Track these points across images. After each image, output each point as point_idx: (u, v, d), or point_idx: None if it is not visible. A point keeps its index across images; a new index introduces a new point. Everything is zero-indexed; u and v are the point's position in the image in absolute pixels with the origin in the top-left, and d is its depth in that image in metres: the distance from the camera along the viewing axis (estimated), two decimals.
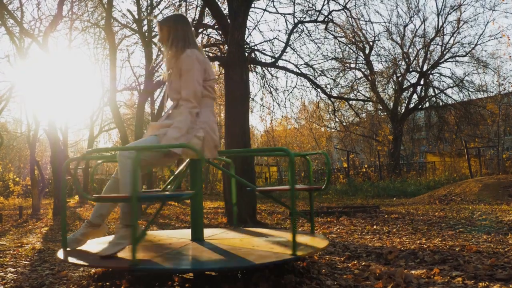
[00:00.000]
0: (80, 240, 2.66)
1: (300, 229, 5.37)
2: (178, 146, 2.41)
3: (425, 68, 19.77)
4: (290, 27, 11.16)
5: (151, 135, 2.65)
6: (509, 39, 19.47)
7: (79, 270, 3.11)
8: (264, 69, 12.31)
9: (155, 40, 13.31)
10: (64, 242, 2.57)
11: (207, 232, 3.27)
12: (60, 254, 2.50)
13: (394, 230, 4.88)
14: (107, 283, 2.52)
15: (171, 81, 2.76)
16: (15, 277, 2.96)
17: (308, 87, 14.26)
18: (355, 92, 18.75)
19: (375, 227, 5.21)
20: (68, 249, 2.58)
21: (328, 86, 14.47)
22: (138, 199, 2.16)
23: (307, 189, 3.10)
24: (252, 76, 13.14)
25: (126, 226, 2.44)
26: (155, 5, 13.07)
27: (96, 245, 2.74)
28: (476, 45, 19.04)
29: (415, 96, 20.39)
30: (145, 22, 12.49)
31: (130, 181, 2.36)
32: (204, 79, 2.73)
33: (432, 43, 19.69)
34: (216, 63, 8.35)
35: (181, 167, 3.05)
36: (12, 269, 3.25)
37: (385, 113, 21.12)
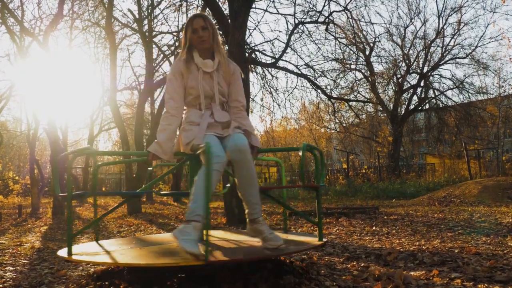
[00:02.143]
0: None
1: (299, 230, 5.37)
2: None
3: (425, 69, 19.78)
4: (290, 27, 11.18)
5: (237, 133, 2.62)
6: (509, 41, 19.58)
7: (78, 269, 3.11)
8: (264, 69, 12.32)
9: (156, 39, 13.33)
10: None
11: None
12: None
13: (393, 231, 4.88)
14: (106, 283, 2.52)
15: (218, 82, 2.72)
16: (14, 276, 2.96)
17: (308, 87, 14.27)
18: (355, 93, 18.76)
19: (374, 228, 5.21)
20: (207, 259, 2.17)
21: (328, 87, 14.50)
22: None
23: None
24: (252, 76, 13.17)
25: (263, 219, 2.56)
26: (155, 4, 13.08)
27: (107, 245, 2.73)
28: (476, 47, 19.07)
29: (415, 97, 20.42)
30: (145, 21, 12.49)
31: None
32: None
33: (432, 44, 19.70)
34: None
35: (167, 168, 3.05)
36: (11, 268, 3.25)
37: (385, 115, 21.12)
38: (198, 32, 2.67)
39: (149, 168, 3.95)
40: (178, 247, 2.67)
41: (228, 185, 3.77)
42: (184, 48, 2.74)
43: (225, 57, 2.77)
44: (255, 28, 11.41)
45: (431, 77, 19.97)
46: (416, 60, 20.12)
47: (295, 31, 11.03)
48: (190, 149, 2.60)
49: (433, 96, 19.85)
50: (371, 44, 18.66)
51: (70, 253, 2.46)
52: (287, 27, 11.68)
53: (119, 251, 2.56)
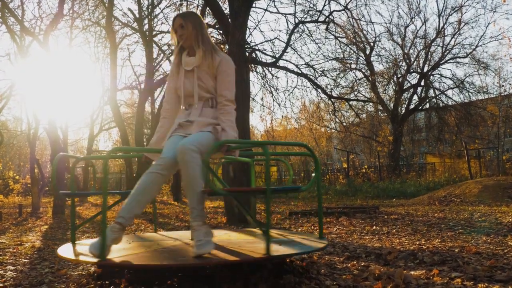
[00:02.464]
0: (109, 247, 2.34)
1: (300, 229, 5.37)
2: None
3: (425, 69, 19.78)
4: (291, 27, 11.19)
5: (202, 130, 2.59)
6: (510, 41, 19.48)
7: (78, 269, 3.12)
8: (264, 69, 12.33)
9: (156, 39, 13.33)
10: (103, 242, 2.28)
11: None
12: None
13: (394, 230, 4.88)
14: (107, 282, 2.52)
15: (200, 78, 2.71)
16: (15, 275, 2.96)
17: (308, 87, 14.30)
18: (355, 92, 18.77)
19: (374, 227, 5.21)
20: (105, 258, 2.27)
21: (329, 86, 14.52)
22: (272, 190, 2.21)
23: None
24: (252, 76, 13.17)
25: (204, 223, 2.43)
26: (156, 4, 13.08)
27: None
28: (477, 46, 19.07)
29: (415, 97, 20.41)
30: (145, 21, 12.50)
31: (202, 175, 2.39)
32: None
33: (432, 44, 19.70)
34: None
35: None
36: (12, 267, 3.25)
37: (385, 114, 21.12)
38: (178, 31, 2.71)
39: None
40: (174, 246, 2.67)
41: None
42: (176, 49, 2.78)
43: (209, 51, 2.70)
44: (255, 28, 11.42)
45: (431, 77, 19.96)
46: (417, 59, 20.13)
47: (295, 30, 11.04)
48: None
49: (433, 95, 19.85)
50: (372, 44, 18.67)
51: (74, 251, 2.46)
52: (288, 26, 11.67)
53: (119, 251, 2.56)
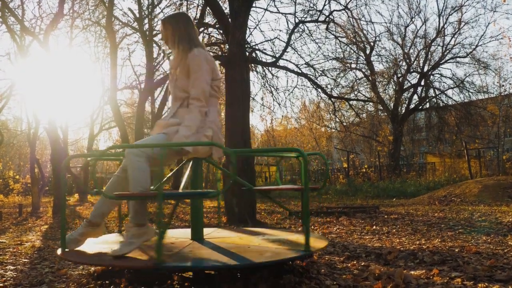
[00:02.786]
0: (78, 240, 2.61)
1: (299, 229, 5.37)
2: (209, 144, 2.52)
3: (425, 68, 19.77)
4: (291, 27, 11.18)
5: (159, 133, 2.64)
6: (510, 40, 19.42)
7: (78, 268, 3.11)
8: (264, 68, 12.33)
9: (156, 39, 13.32)
10: (63, 241, 2.56)
11: (207, 231, 3.27)
12: (67, 254, 2.47)
13: (394, 230, 4.88)
14: (107, 282, 2.52)
15: (176, 79, 2.74)
16: (15, 275, 2.96)
17: (308, 87, 14.26)
18: (355, 92, 18.76)
19: (374, 227, 5.21)
20: (66, 249, 2.53)
21: (329, 86, 14.52)
22: (164, 196, 2.17)
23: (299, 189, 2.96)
24: (252, 75, 13.18)
25: (137, 225, 2.43)
26: (156, 3, 13.07)
27: (95, 244, 2.74)
28: (477, 46, 19.04)
29: (415, 96, 20.40)
30: (146, 21, 12.49)
31: (142, 179, 2.41)
32: (212, 79, 2.74)
33: (433, 43, 19.68)
34: (217, 62, 8.35)
35: (166, 167, 3.08)
36: (12, 267, 3.25)
37: (386, 114, 21.12)
38: (162, 35, 2.84)
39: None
40: (184, 247, 2.67)
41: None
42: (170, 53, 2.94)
43: (185, 49, 2.72)
44: (255, 27, 11.42)
45: (431, 76, 19.95)
46: (417, 59, 20.12)
47: (295, 30, 11.03)
48: None
49: (433, 95, 19.84)
50: (372, 43, 18.66)
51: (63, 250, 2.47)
52: (288, 26, 11.69)
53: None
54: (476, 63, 19.24)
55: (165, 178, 3.25)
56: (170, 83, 2.84)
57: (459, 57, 19.46)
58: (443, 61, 19.59)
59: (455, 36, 19.31)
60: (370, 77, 18.95)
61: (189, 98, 2.65)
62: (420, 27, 27.80)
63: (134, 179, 2.42)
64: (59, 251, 2.53)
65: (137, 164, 2.43)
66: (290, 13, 11.47)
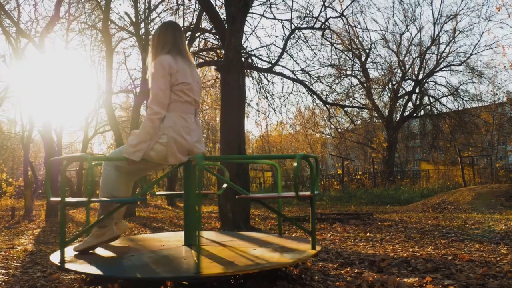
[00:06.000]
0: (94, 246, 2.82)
1: (293, 235, 5.36)
2: (119, 158, 2.66)
3: (420, 76, 19.90)
4: (287, 33, 11.26)
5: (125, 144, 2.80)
6: (504, 49, 19.66)
7: (70, 273, 3.09)
8: (260, 74, 12.35)
9: None
10: (62, 245, 2.53)
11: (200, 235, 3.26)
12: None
13: (387, 237, 4.89)
14: (99, 287, 2.51)
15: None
16: (6, 279, 2.94)
17: (304, 93, 14.31)
18: (350, 99, 18.86)
19: (368, 234, 5.22)
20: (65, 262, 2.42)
21: (324, 92, 14.58)
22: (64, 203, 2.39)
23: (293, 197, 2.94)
24: (248, 81, 13.21)
25: (99, 226, 2.67)
26: (152, 8, 13.08)
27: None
28: (471, 54, 19.23)
29: (410, 104, 20.53)
30: (142, 25, 12.49)
31: (109, 186, 2.70)
32: (172, 84, 2.70)
33: (427, 51, 19.84)
34: (213, 67, 8.37)
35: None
36: (3, 271, 3.22)
37: (380, 121, 21.21)
38: None
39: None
40: (168, 253, 2.66)
41: (225, 185, 3.74)
42: None
43: (153, 57, 2.80)
44: (251, 33, 11.48)
45: (426, 84, 20.10)
46: (412, 66, 20.26)
47: (291, 36, 11.08)
48: None
49: (428, 102, 19.97)
50: (367, 51, 18.76)
51: (62, 261, 2.43)
52: (284, 32, 11.76)
53: (112, 258, 2.55)
54: (470, 71, 19.43)
55: (155, 183, 3.27)
56: None
57: (454, 65, 19.63)
58: (437, 69, 19.74)
59: (450, 44, 19.51)
60: (365, 84, 19.05)
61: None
62: (415, 35, 27.86)
63: (101, 186, 2.71)
64: (54, 260, 2.47)
65: (105, 172, 2.71)
66: (286, 20, 11.55)
